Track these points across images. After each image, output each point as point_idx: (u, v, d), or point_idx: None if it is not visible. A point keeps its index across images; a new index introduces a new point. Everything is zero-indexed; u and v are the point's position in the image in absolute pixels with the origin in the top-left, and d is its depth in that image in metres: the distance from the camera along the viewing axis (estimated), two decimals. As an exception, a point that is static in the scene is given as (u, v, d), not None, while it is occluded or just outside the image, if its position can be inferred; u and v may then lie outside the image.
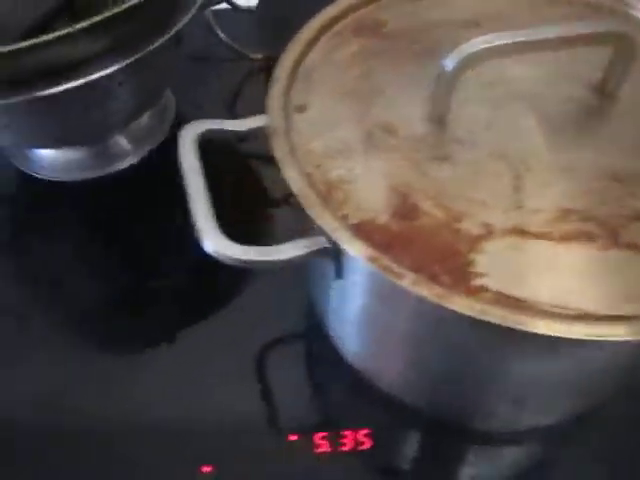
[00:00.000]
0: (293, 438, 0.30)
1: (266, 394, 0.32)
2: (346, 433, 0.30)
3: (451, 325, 0.22)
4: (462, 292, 0.20)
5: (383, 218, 0.22)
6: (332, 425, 0.31)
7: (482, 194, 0.23)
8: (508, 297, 0.20)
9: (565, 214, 0.22)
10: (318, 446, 0.30)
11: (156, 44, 0.35)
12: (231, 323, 0.35)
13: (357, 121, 0.26)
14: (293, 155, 0.24)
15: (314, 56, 0.29)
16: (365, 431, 0.30)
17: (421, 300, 0.20)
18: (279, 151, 0.24)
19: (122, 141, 0.44)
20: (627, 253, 0.21)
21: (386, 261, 0.20)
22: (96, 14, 0.32)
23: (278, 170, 0.24)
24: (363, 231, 0.22)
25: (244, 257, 0.22)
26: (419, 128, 0.25)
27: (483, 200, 0.23)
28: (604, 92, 0.26)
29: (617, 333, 0.19)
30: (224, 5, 0.48)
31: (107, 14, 0.29)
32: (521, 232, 0.22)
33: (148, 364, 0.34)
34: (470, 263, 0.21)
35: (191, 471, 0.30)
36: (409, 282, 0.20)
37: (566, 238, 0.22)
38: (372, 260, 0.20)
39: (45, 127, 0.38)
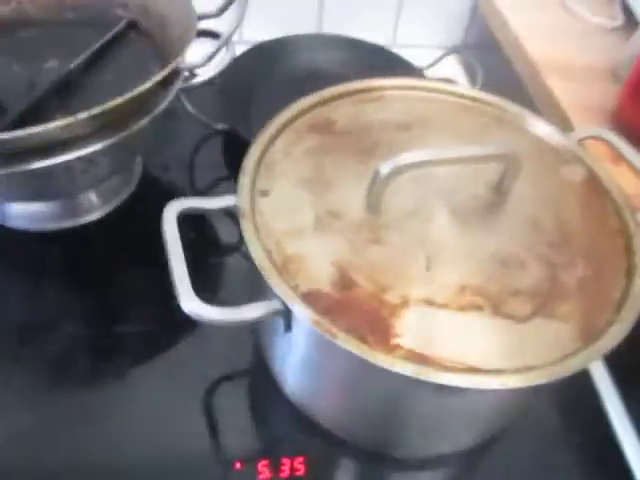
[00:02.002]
0: (238, 466, 0.36)
1: (214, 428, 0.37)
2: (284, 461, 0.36)
3: (373, 375, 0.28)
4: (382, 349, 0.27)
5: (326, 288, 0.29)
6: (273, 453, 0.36)
7: (403, 271, 0.30)
8: (417, 354, 0.27)
9: (463, 289, 0.29)
10: (260, 473, 0.35)
11: (141, 124, 0.41)
12: (185, 362, 0.40)
13: (309, 206, 0.33)
14: (257, 233, 0.31)
15: (276, 149, 0.36)
16: (300, 459, 0.36)
17: (351, 355, 0.26)
18: (247, 231, 0.30)
19: (92, 196, 0.49)
20: (505, 322, 0.29)
21: (326, 324, 0.27)
22: (89, 98, 0.37)
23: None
24: (310, 298, 0.28)
25: (216, 317, 0.28)
26: (358, 215, 0.32)
27: (403, 276, 0.30)
28: (500, 191, 0.34)
29: (492, 382, 0.26)
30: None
31: (107, 106, 0.35)
32: (430, 302, 0.29)
33: (107, 405, 0.38)
34: (390, 326, 0.28)
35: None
36: (342, 341, 0.26)
37: (462, 308, 0.29)
38: (316, 323, 0.27)
39: (22, 189, 0.42)
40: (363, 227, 0.32)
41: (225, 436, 0.37)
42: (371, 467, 0.37)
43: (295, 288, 0.29)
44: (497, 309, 0.29)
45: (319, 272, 0.29)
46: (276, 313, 0.28)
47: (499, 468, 0.38)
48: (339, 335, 0.26)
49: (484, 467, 0.38)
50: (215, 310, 0.28)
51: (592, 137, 0.42)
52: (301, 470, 0.36)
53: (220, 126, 0.53)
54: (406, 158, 0.31)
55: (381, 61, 0.64)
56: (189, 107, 0.51)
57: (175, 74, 0.43)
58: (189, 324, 0.40)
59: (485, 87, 0.64)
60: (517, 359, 0.27)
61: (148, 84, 0.38)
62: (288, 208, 0.32)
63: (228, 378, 0.40)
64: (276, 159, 0.35)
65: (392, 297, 0.29)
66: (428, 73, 0.63)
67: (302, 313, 0.27)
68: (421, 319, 0.28)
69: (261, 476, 0.36)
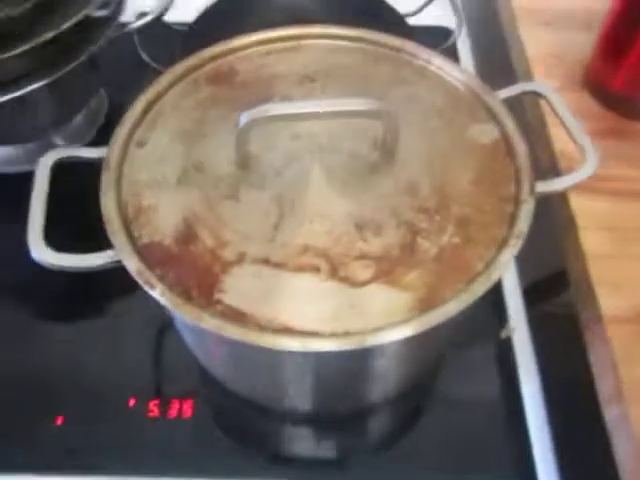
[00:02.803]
0: (131, 403, 0.38)
1: (118, 366, 0.39)
2: (174, 402, 0.38)
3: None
4: (201, 304, 0.27)
5: (168, 241, 0.29)
6: (165, 395, 0.38)
7: (248, 228, 0.29)
8: (235, 310, 0.27)
9: (304, 250, 0.29)
10: (151, 411, 0.38)
11: (71, 66, 0.42)
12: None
13: (179, 159, 0.33)
14: (118, 183, 0.31)
15: (167, 100, 0.36)
16: (190, 402, 0.38)
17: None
18: (103, 181, 0.31)
19: (55, 139, 0.52)
20: (338, 285, 0.28)
21: (146, 275, 0.27)
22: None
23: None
24: (148, 250, 0.29)
25: (59, 263, 0.29)
26: (224, 170, 0.32)
27: (246, 233, 0.29)
28: (384, 151, 0.32)
29: (294, 344, 0.25)
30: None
31: (31, 43, 0.37)
32: (265, 261, 0.28)
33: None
34: (217, 282, 0.28)
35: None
36: (158, 292, 0.27)
37: (299, 269, 0.28)
38: (138, 273, 0.27)
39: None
40: (223, 182, 0.31)
41: (125, 375, 0.40)
42: (258, 418, 0.38)
43: (136, 239, 0.29)
44: (334, 272, 0.28)
45: (166, 225, 0.30)
46: (115, 262, 0.29)
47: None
48: (157, 286, 0.27)
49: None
50: (60, 257, 0.29)
51: (528, 92, 0.38)
52: (188, 412, 0.38)
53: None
54: (266, 109, 0.30)
55: (363, 6, 0.60)
56: (142, 53, 0.51)
57: (99, 20, 0.43)
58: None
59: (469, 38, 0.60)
60: (339, 324, 0.27)
61: (65, 25, 0.39)
62: (158, 160, 0.33)
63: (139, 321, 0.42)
64: (163, 111, 0.35)
65: (228, 253, 0.29)
66: (413, 20, 0.59)
67: (127, 262, 0.28)
68: (252, 277, 0.28)
69: (151, 414, 0.38)
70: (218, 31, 0.59)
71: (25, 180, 0.49)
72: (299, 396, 0.34)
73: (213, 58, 0.38)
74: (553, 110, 0.36)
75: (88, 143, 0.52)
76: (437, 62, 0.37)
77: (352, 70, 0.37)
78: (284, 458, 0.39)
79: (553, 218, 0.40)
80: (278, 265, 0.28)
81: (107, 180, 0.31)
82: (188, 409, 0.38)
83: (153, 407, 0.38)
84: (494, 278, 0.28)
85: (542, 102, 0.41)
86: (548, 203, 0.41)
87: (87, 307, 0.44)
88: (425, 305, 0.27)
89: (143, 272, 0.27)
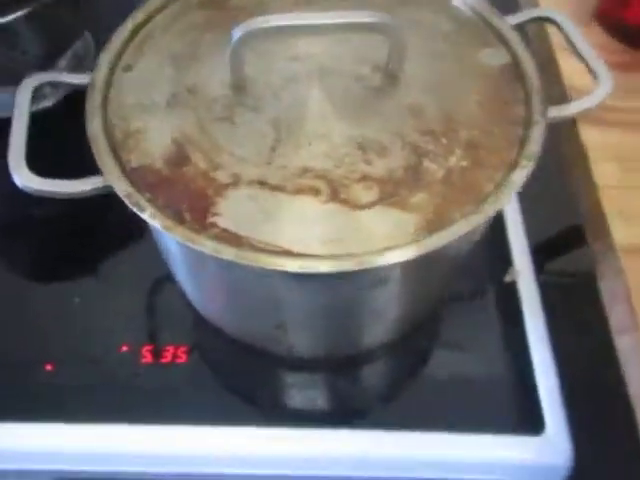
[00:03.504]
0: (124, 349, 0.36)
1: (109, 312, 0.38)
2: (168, 348, 0.36)
3: (197, 257, 0.27)
4: (194, 227, 0.25)
5: (158, 164, 0.27)
6: (158, 341, 0.37)
7: (243, 151, 0.28)
8: (231, 234, 0.25)
9: (303, 172, 0.27)
10: (144, 357, 0.36)
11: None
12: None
13: (169, 82, 0.31)
14: (105, 107, 0.29)
15: (157, 23, 0.33)
16: (184, 348, 0.36)
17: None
18: (89, 103, 0.29)
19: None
20: (340, 207, 0.26)
21: (136, 197, 0.25)
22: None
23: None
24: (138, 174, 0.27)
25: (43, 188, 0.27)
26: (218, 91, 0.30)
27: (242, 155, 0.27)
28: (387, 73, 0.30)
29: (290, 264, 0.24)
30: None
31: None
32: (262, 183, 0.27)
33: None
34: (211, 205, 0.26)
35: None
36: (148, 215, 0.25)
37: (298, 191, 0.26)
38: (127, 196, 0.25)
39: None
40: (217, 104, 0.29)
41: (116, 322, 0.38)
42: (254, 363, 0.37)
43: (125, 163, 0.27)
44: (335, 194, 0.26)
45: (156, 148, 0.28)
46: (104, 188, 0.27)
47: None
48: (147, 209, 0.25)
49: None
50: (45, 182, 0.27)
51: (538, 19, 0.36)
52: (183, 358, 0.37)
53: None
54: (261, 21, 0.27)
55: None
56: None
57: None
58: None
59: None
60: (340, 247, 0.25)
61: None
62: (147, 83, 0.30)
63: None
64: (153, 34, 0.33)
65: (223, 176, 0.27)
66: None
67: (116, 186, 0.26)
68: (248, 200, 0.26)
69: (144, 360, 0.37)
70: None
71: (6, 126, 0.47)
72: (297, 334, 0.33)
73: (206, -20, 0.35)
74: (565, 36, 0.34)
75: (73, 91, 0.50)
76: (442, -16, 0.35)
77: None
78: (281, 405, 0.38)
79: (559, 155, 0.39)
80: (275, 187, 0.27)
81: (92, 104, 0.29)
82: (182, 355, 0.37)
83: (146, 353, 0.37)
84: (504, 199, 0.26)
85: (551, 34, 0.40)
86: (555, 138, 0.39)
87: (80, 259, 0.42)
88: (432, 226, 0.26)
89: (132, 194, 0.26)
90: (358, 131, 0.29)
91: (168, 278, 0.36)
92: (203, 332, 0.38)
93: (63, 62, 0.50)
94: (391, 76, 0.30)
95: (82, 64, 0.51)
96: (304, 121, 0.29)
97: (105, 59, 0.31)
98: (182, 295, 0.37)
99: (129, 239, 0.41)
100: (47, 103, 0.49)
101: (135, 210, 0.25)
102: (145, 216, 0.25)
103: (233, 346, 0.37)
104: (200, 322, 0.37)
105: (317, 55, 0.31)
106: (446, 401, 0.36)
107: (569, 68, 0.34)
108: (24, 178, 0.27)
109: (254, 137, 0.28)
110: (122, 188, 0.26)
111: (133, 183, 0.26)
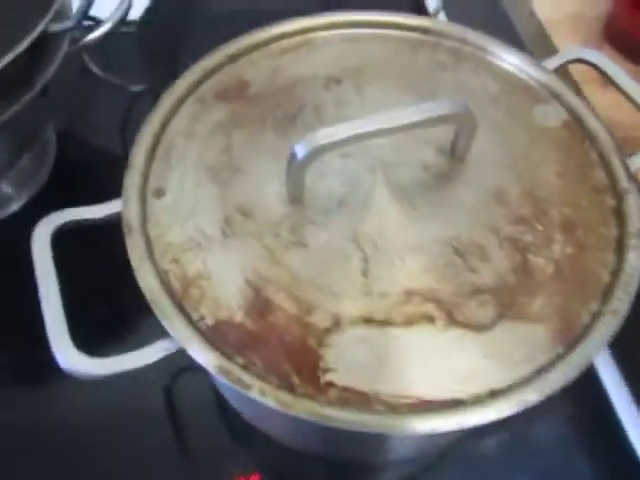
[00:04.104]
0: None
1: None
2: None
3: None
4: (310, 393, 0.21)
5: (239, 316, 0.23)
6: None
7: (332, 281, 0.24)
8: (354, 392, 0.22)
9: (408, 296, 0.24)
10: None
11: (22, 102, 0.34)
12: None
13: (216, 204, 0.26)
14: (150, 251, 0.24)
15: (175, 128, 0.29)
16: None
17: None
18: (133, 252, 0.24)
19: (3, 187, 0.43)
20: (463, 333, 0.23)
21: (235, 371, 0.21)
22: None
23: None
24: (219, 333, 0.23)
25: (99, 372, 0.22)
26: (277, 209, 0.26)
27: (332, 288, 0.24)
28: (454, 156, 0.28)
29: (445, 424, 0.21)
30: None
31: None
32: (368, 320, 0.23)
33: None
34: (318, 359, 0.22)
35: None
36: (256, 392, 0.21)
37: (409, 322, 0.23)
38: (221, 372, 0.21)
39: None
40: (282, 226, 0.25)
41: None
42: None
43: (200, 321, 0.23)
44: (452, 317, 0.23)
45: (229, 295, 0.23)
46: (175, 354, 0.23)
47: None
48: (253, 385, 0.21)
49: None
50: (98, 363, 0.22)
51: (574, 61, 0.34)
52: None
53: (137, 87, 0.45)
54: (326, 135, 0.24)
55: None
56: (94, 68, 0.43)
57: (54, 37, 0.34)
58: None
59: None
60: (479, 381, 0.22)
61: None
62: (189, 210, 0.26)
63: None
64: (175, 143, 0.28)
65: (320, 319, 0.23)
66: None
67: (199, 355, 0.21)
68: (358, 344, 0.23)
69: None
70: (171, 24, 0.51)
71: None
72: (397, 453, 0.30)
73: (213, 70, 0.31)
74: (609, 79, 0.32)
75: (41, 189, 0.43)
76: (473, 40, 0.33)
77: (382, 62, 0.32)
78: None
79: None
80: (384, 323, 0.23)
81: (135, 248, 0.24)
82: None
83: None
84: (630, 288, 0.24)
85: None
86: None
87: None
88: (565, 335, 0.23)
89: (226, 367, 0.21)
90: (448, 232, 0.25)
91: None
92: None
93: (25, 157, 0.43)
94: (458, 158, 0.28)
95: (45, 158, 0.44)
96: (386, 230, 0.25)
97: (132, 184, 0.26)
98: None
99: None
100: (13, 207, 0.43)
101: (238, 388, 0.21)
102: (253, 394, 0.21)
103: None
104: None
105: (371, 147, 0.28)
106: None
107: (601, 102, 0.32)
108: (74, 362, 0.22)
109: (336, 262, 0.24)
110: (210, 360, 0.21)
111: (216, 347, 0.22)
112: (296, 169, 0.24)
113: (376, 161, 0.27)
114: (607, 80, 0.33)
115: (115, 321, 0.35)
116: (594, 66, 0.33)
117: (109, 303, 0.34)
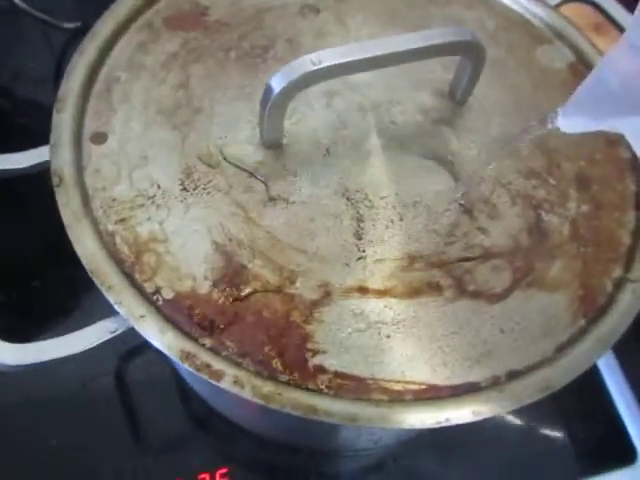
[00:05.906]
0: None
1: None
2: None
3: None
4: (297, 380, 0.17)
5: (205, 288, 0.19)
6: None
7: (320, 243, 0.20)
8: (348, 378, 0.18)
9: (410, 261, 0.20)
10: None
11: None
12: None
13: (174, 151, 0.21)
14: (88, 207, 0.19)
15: (117, 59, 0.23)
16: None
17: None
18: (67, 211, 0.19)
19: None
20: (474, 304, 0.19)
21: (203, 355, 0.17)
22: None
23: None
24: (180, 308, 0.18)
25: (13, 362, 0.17)
26: (248, 158, 0.21)
27: (320, 252, 0.19)
28: (454, 99, 0.24)
29: (463, 415, 0.17)
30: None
31: None
32: (362, 290, 0.19)
33: None
34: (306, 338, 0.18)
35: None
36: (229, 383, 0.17)
37: (412, 292, 0.19)
38: (184, 357, 0.17)
39: None
40: (256, 178, 0.21)
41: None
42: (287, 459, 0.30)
43: (155, 294, 0.18)
44: (460, 286, 0.20)
45: (192, 262, 0.19)
46: (121, 336, 0.18)
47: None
48: (226, 373, 0.17)
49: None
50: (12, 350, 0.17)
51: None
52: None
53: (71, 24, 0.38)
54: (311, 62, 0.19)
55: None
56: (20, 2, 0.36)
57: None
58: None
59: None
60: (496, 361, 0.19)
61: None
62: (140, 158, 0.21)
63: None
64: (118, 76, 0.23)
65: (306, 289, 0.19)
66: None
67: (159, 341, 0.17)
68: (351, 319, 0.19)
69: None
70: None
71: None
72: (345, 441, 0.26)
73: (164, -11, 0.25)
74: (611, 20, 0.29)
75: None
76: (467, -31, 0.28)
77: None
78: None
79: None
80: (382, 293, 0.19)
81: (67, 203, 0.19)
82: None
83: None
84: (655, 251, 0.21)
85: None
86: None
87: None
88: (588, 306, 0.20)
89: (190, 351, 0.17)
90: (450, 184, 0.22)
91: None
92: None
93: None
94: (458, 101, 0.24)
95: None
96: (379, 182, 0.21)
97: (62, 126, 0.21)
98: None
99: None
100: None
101: (206, 377, 0.17)
102: (225, 385, 0.17)
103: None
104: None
105: (358, 86, 0.23)
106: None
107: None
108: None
109: (324, 221, 0.20)
110: (170, 343, 0.17)
111: (177, 326, 0.18)
112: (273, 106, 0.20)
113: (366, 101, 0.23)
114: (609, 21, 0.30)
115: (45, 296, 0.29)
116: (596, 5, 0.30)
117: (39, 275, 0.28)
